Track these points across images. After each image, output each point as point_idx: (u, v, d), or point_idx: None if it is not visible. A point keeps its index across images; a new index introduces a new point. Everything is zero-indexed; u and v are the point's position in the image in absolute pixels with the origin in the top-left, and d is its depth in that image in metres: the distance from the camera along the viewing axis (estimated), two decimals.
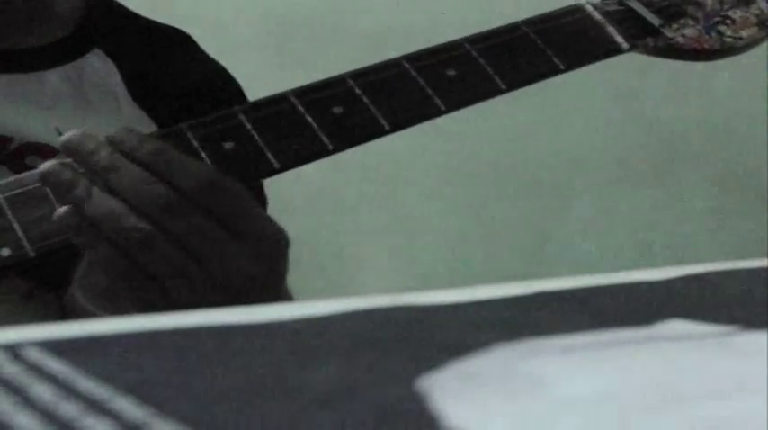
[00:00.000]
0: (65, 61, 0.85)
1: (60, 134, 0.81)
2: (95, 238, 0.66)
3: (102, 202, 0.66)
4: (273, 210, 0.93)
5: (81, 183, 0.66)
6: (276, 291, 0.70)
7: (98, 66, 0.86)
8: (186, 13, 1.87)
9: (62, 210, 0.66)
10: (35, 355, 0.29)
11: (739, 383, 0.27)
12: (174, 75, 0.89)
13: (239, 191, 0.68)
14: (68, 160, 0.68)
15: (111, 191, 0.66)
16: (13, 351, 0.29)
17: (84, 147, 0.67)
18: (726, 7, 0.85)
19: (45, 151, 0.80)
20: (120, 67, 0.86)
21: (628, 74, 2.01)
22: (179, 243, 0.66)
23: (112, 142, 0.67)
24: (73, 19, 0.87)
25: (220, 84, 0.92)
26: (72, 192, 0.66)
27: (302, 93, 0.74)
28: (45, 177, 0.67)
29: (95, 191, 0.66)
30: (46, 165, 0.67)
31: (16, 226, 0.67)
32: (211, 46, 0.95)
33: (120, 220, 0.65)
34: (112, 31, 0.88)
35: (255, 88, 0.83)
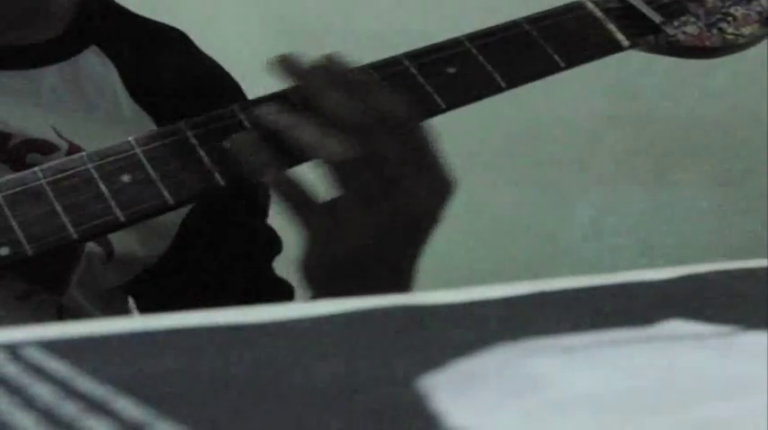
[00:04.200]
0: (62, 58, 0.85)
1: (58, 132, 0.81)
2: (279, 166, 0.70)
3: (307, 125, 0.70)
4: (274, 210, 0.93)
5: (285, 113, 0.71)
6: (425, 240, 0.74)
7: (95, 63, 0.86)
8: (186, 13, 1.87)
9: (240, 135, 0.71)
10: (35, 355, 0.29)
11: (739, 383, 0.27)
12: (171, 72, 0.89)
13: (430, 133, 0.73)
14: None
15: (316, 113, 0.71)
16: (13, 351, 0.29)
17: (293, 66, 0.72)
18: (727, 4, 0.85)
19: (45, 148, 0.80)
20: (117, 65, 0.86)
21: (628, 72, 2.01)
22: (374, 166, 0.70)
23: (320, 68, 0.72)
24: (69, 16, 0.87)
25: (217, 81, 0.92)
26: (275, 120, 0.71)
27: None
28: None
29: (299, 116, 0.71)
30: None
31: (15, 225, 0.67)
32: (211, 46, 0.95)
33: (325, 140, 0.69)
34: (108, 28, 0.88)
35: (255, 88, 0.83)
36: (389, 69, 0.76)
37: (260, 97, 0.75)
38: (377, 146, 0.70)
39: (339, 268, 0.73)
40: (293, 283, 0.91)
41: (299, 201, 0.71)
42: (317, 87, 0.71)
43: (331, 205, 0.71)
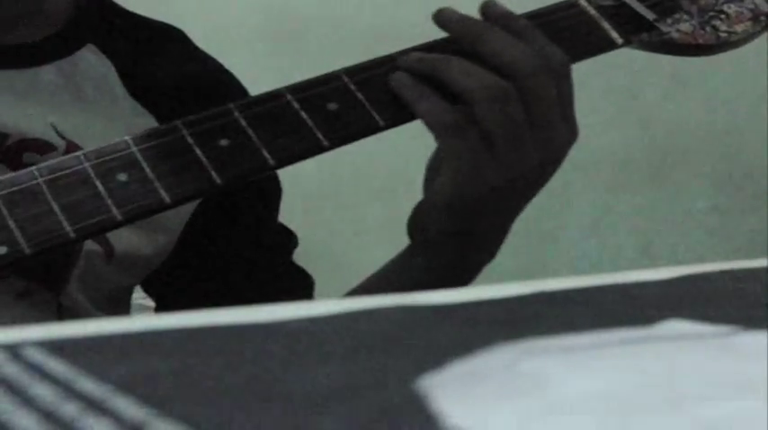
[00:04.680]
0: (59, 56, 0.85)
1: (56, 130, 0.81)
2: (433, 96, 0.74)
3: (460, 61, 0.74)
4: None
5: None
6: (536, 193, 0.80)
7: (93, 61, 0.86)
8: (186, 12, 1.87)
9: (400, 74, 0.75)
10: (35, 355, 0.29)
11: (739, 383, 0.27)
12: (169, 70, 0.89)
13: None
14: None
15: (472, 57, 0.74)
16: (13, 351, 0.29)
17: (454, 16, 0.76)
18: (720, 2, 0.85)
19: (42, 147, 0.80)
20: (114, 63, 0.86)
21: (628, 73, 2.01)
22: (527, 106, 0.74)
23: (482, 16, 0.77)
24: (65, 15, 0.87)
25: (218, 78, 0.92)
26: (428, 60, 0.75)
27: (297, 89, 0.74)
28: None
29: (455, 58, 0.74)
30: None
31: (12, 224, 0.67)
32: (211, 45, 0.95)
33: (483, 75, 0.73)
34: (105, 26, 0.88)
35: (255, 88, 0.83)
36: (384, 68, 0.76)
37: (256, 95, 0.75)
38: (534, 87, 0.73)
39: (465, 209, 0.77)
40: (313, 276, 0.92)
41: (455, 128, 0.74)
42: (479, 30, 0.75)
43: (483, 137, 0.74)
